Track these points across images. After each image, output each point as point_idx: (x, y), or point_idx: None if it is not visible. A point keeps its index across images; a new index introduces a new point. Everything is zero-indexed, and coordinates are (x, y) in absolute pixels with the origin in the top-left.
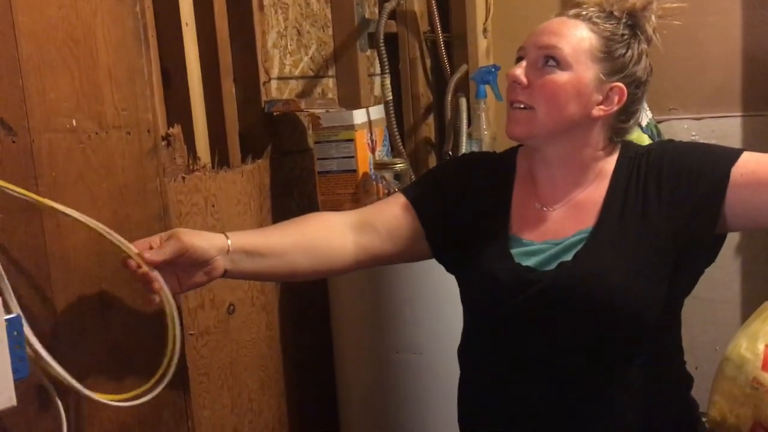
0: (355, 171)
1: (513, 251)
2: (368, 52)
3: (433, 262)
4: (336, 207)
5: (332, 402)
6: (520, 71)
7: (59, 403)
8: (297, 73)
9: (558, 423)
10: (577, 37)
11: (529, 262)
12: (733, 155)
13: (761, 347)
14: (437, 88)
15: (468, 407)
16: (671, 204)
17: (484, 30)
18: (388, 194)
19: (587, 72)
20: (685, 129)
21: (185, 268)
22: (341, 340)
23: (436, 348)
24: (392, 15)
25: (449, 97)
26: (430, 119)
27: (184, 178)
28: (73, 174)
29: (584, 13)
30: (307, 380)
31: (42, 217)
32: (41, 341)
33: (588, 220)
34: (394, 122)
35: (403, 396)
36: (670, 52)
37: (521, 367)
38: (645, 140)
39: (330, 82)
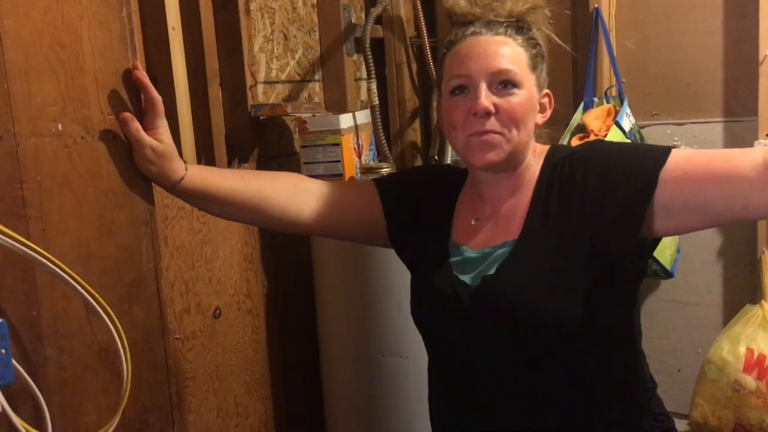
0: (341, 175)
1: (451, 260)
2: (355, 57)
3: None
4: None
5: (319, 405)
6: (486, 102)
7: (45, 406)
8: (283, 77)
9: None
10: (515, 54)
11: (465, 273)
12: (661, 157)
13: (742, 350)
14: (423, 93)
15: (432, 411)
16: (596, 207)
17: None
18: None
19: (532, 85)
20: (667, 134)
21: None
22: (328, 344)
23: (422, 352)
24: (379, 20)
25: (435, 102)
26: (416, 124)
27: None
28: (59, 178)
29: (502, 30)
30: (293, 384)
31: (27, 222)
32: (27, 346)
33: (514, 230)
34: (381, 127)
35: (390, 400)
36: (652, 58)
37: (463, 376)
38: None
39: (317, 87)
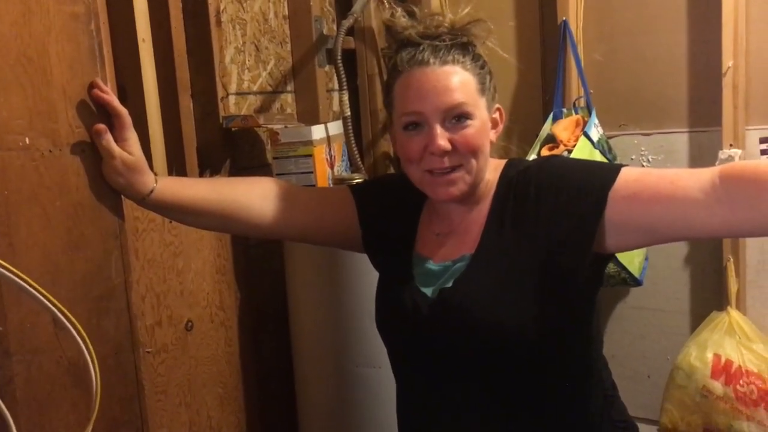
0: (313, 186)
1: (415, 272)
2: (327, 68)
3: None
4: None
5: (293, 417)
6: (442, 141)
7: (12, 424)
8: (255, 88)
9: None
10: (464, 83)
11: (427, 286)
12: (611, 176)
13: (710, 356)
14: None
15: (398, 420)
16: (549, 222)
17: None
18: None
19: (483, 109)
20: (635, 144)
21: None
22: (301, 355)
23: None
24: (350, 31)
25: None
26: (388, 134)
27: None
28: (27, 192)
29: (448, 57)
30: (267, 396)
31: None
32: None
33: (471, 244)
34: (353, 137)
35: (364, 410)
36: (619, 70)
37: (423, 386)
38: (597, 156)
39: (289, 98)
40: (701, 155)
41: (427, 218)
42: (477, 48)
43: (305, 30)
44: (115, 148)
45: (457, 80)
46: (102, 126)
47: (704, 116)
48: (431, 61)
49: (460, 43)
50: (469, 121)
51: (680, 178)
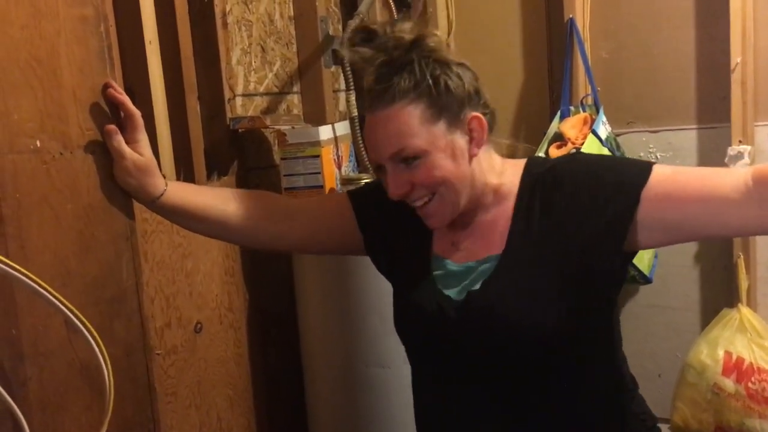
0: (321, 187)
1: (435, 274)
2: (333, 69)
3: None
4: None
5: (302, 418)
6: (395, 189)
7: (26, 426)
8: (262, 89)
9: None
10: (405, 122)
11: (449, 287)
12: (644, 175)
13: (721, 353)
14: None
15: (417, 423)
16: (581, 220)
17: (447, 45)
18: None
19: (439, 137)
20: (643, 142)
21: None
22: (310, 356)
23: (404, 361)
24: None
25: None
26: None
27: None
28: (38, 195)
29: (386, 97)
30: (276, 396)
31: (6, 240)
32: (7, 365)
33: (496, 244)
34: (360, 138)
35: (373, 410)
36: (627, 68)
37: (448, 388)
38: (605, 153)
39: (295, 99)
40: (710, 152)
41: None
42: (420, 70)
43: (311, 31)
44: (126, 149)
45: (396, 123)
46: (113, 127)
47: (713, 113)
48: (374, 105)
49: (398, 71)
50: (418, 160)
51: (713, 178)
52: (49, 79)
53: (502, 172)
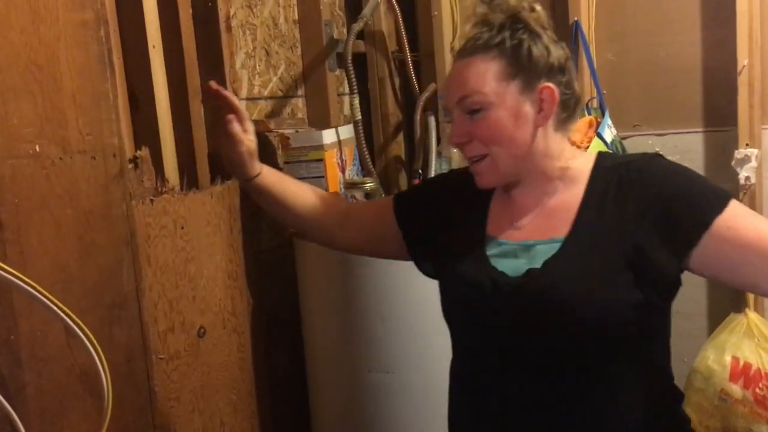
0: (325, 191)
1: (488, 252)
2: (337, 72)
3: (405, 280)
4: None
5: (306, 423)
6: (455, 134)
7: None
8: (266, 93)
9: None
10: (479, 72)
11: (503, 265)
12: (721, 203)
13: (728, 359)
14: (406, 107)
15: (454, 418)
16: (651, 223)
17: (452, 49)
18: None
19: (508, 96)
20: (649, 145)
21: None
22: (314, 361)
23: (407, 367)
24: (360, 35)
25: (418, 116)
26: (400, 138)
27: (152, 200)
28: (37, 200)
29: (468, 46)
30: (280, 401)
31: (5, 246)
32: (5, 371)
33: (561, 228)
34: (364, 141)
35: (377, 415)
36: (632, 70)
37: (499, 374)
38: None
39: (299, 102)
40: (717, 155)
41: (500, 205)
42: (519, 34)
43: (315, 34)
44: (244, 136)
45: (471, 71)
46: (233, 116)
47: (719, 116)
48: (460, 54)
49: (495, 27)
50: (482, 112)
51: None
52: (49, 84)
53: (571, 158)
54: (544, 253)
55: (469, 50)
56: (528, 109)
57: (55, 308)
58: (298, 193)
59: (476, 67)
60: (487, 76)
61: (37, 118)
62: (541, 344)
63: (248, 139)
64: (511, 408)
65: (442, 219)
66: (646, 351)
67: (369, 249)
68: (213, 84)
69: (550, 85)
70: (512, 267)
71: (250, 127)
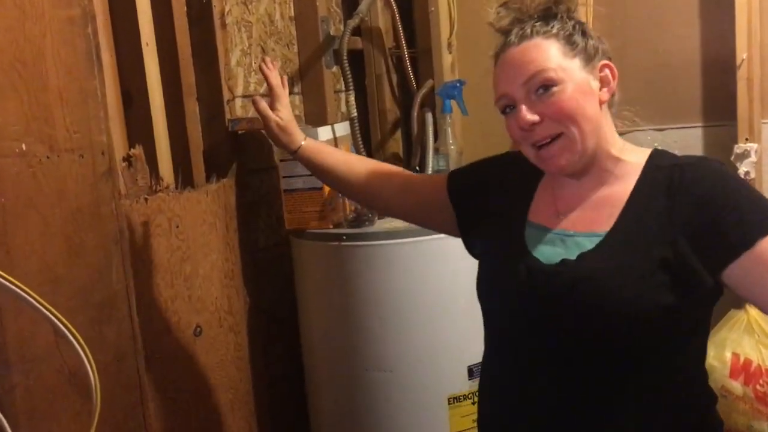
0: (321, 188)
1: (527, 236)
2: (334, 69)
3: (404, 279)
4: (302, 225)
5: (304, 422)
6: (528, 114)
7: None
8: (262, 90)
9: (559, 427)
10: (543, 51)
11: (540, 251)
12: None
13: (728, 355)
14: (404, 104)
15: (482, 409)
16: (692, 233)
17: (449, 45)
18: (355, 211)
19: (575, 72)
20: (648, 141)
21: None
22: (311, 359)
23: (405, 366)
24: (357, 32)
25: (415, 112)
26: (398, 134)
27: (146, 199)
28: (24, 199)
29: (528, 31)
30: (277, 400)
31: None
32: None
33: (604, 222)
34: (360, 138)
35: (374, 414)
36: (631, 65)
37: (526, 366)
38: None
39: (296, 100)
40: (716, 150)
41: (546, 191)
42: (563, 18)
43: (312, 31)
44: (269, 113)
45: (534, 53)
46: (257, 97)
47: (719, 110)
48: (513, 41)
49: (542, 17)
50: (555, 88)
51: None
52: (35, 82)
53: (622, 149)
54: (581, 245)
55: (521, 36)
56: (593, 83)
57: (42, 308)
58: (345, 163)
59: (537, 48)
60: (551, 54)
61: (23, 116)
62: (567, 337)
63: (277, 116)
64: (533, 400)
65: (490, 200)
66: (675, 353)
67: (423, 220)
68: (265, 61)
69: (607, 61)
70: (548, 254)
71: (282, 107)
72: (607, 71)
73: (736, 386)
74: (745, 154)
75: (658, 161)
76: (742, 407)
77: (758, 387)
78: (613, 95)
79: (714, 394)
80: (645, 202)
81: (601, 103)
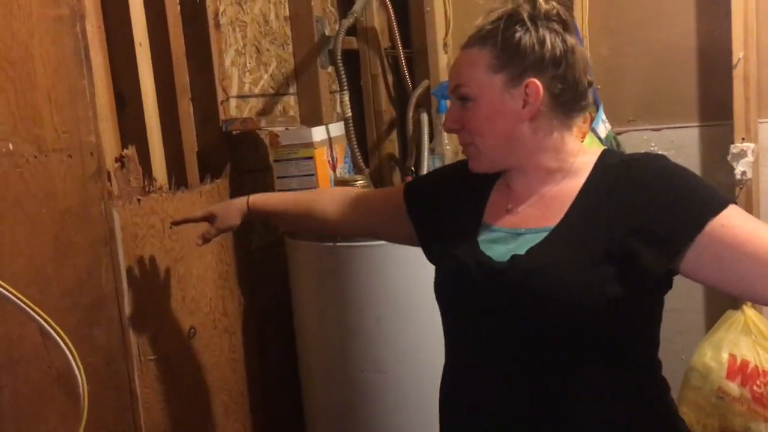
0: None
1: (480, 237)
2: (329, 69)
3: (400, 279)
4: None
5: (299, 423)
6: (448, 121)
7: None
8: (257, 91)
9: (520, 422)
10: (470, 63)
11: (492, 250)
12: (718, 207)
13: (725, 356)
14: (399, 104)
15: (442, 405)
16: (643, 220)
17: (445, 45)
18: None
19: (493, 88)
20: (644, 140)
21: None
22: (306, 360)
23: (400, 367)
24: (353, 32)
25: (411, 113)
26: (393, 135)
27: (139, 200)
28: (11, 199)
29: (471, 37)
30: (272, 402)
31: None
32: None
33: (554, 217)
34: (355, 139)
35: (370, 415)
36: (627, 65)
37: (487, 364)
38: None
39: (291, 100)
40: (713, 150)
41: (499, 193)
42: (514, 29)
43: (307, 31)
44: (218, 228)
45: (465, 61)
46: (199, 239)
47: (715, 110)
48: (464, 44)
49: (495, 20)
50: (470, 103)
51: None
52: (22, 81)
53: (575, 154)
54: (531, 240)
55: (469, 41)
56: (512, 103)
57: (28, 310)
58: (296, 202)
59: (470, 58)
60: (477, 68)
61: (11, 115)
62: (520, 331)
63: (218, 224)
64: (492, 394)
65: (447, 206)
66: (627, 343)
67: (382, 233)
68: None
69: (535, 80)
70: (500, 253)
71: (213, 217)
72: (531, 90)
73: (733, 387)
74: (741, 154)
75: (609, 159)
76: (739, 409)
77: (755, 388)
78: (547, 108)
79: (667, 384)
80: (593, 197)
81: (521, 121)
